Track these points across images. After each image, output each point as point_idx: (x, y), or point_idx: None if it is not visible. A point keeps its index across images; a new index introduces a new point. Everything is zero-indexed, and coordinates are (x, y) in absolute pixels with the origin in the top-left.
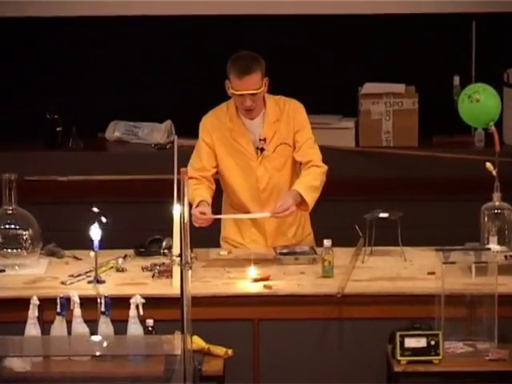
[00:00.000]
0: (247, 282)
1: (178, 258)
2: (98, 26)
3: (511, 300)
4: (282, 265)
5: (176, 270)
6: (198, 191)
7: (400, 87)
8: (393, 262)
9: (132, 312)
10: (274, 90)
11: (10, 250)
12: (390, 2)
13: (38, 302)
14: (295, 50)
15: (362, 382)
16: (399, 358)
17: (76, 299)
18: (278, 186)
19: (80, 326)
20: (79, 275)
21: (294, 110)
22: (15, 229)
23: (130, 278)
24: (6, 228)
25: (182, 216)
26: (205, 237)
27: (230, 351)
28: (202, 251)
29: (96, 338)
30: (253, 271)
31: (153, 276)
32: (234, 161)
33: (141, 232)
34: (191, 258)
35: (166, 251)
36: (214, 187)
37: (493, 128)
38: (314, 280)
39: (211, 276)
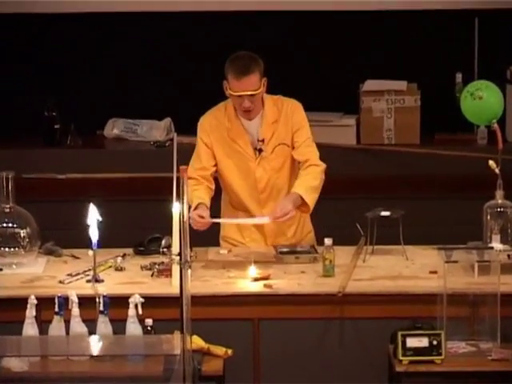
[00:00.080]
0: (247, 281)
1: (178, 257)
2: (97, 23)
3: None
4: (283, 264)
5: (175, 269)
6: (197, 193)
7: (402, 84)
8: (394, 260)
9: (131, 311)
10: (274, 87)
11: (7, 249)
12: None
13: (35, 302)
14: (296, 46)
15: (363, 382)
16: (401, 357)
17: (74, 298)
18: (276, 186)
19: (78, 326)
20: (77, 274)
21: (292, 109)
22: (13, 227)
23: (129, 277)
24: (3, 226)
25: (181, 214)
26: (204, 236)
27: (229, 351)
28: (202, 250)
29: (94, 338)
30: (253, 270)
31: (152, 275)
32: (232, 161)
33: (140, 230)
34: (191, 257)
35: (165, 250)
36: (213, 187)
37: (495, 125)
38: (314, 279)
39: (211, 275)
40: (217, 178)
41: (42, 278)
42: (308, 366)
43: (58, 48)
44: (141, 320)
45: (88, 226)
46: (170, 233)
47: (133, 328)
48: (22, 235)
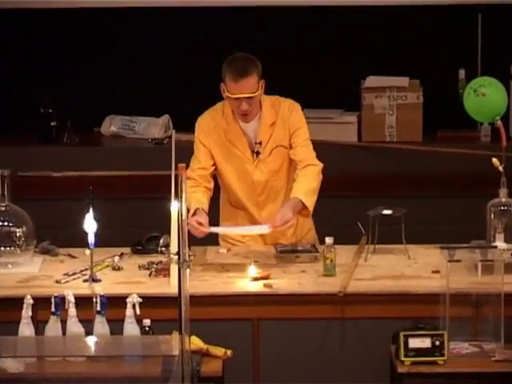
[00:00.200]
0: (247, 281)
1: (176, 256)
2: (94, 19)
3: None
4: (283, 263)
5: (174, 269)
6: (195, 195)
7: (404, 81)
8: (396, 260)
9: (128, 311)
10: (274, 84)
11: (2, 248)
12: None
13: (31, 301)
14: (297, 42)
15: (364, 383)
16: (403, 358)
17: (71, 298)
18: (275, 188)
19: (75, 326)
20: (74, 274)
21: (289, 110)
22: (8, 226)
23: (127, 276)
24: None
25: (179, 213)
26: None
27: (229, 352)
28: (201, 249)
29: (91, 339)
30: (252, 270)
31: (150, 274)
32: (230, 164)
33: (138, 229)
34: (189, 256)
35: (163, 249)
36: (212, 186)
37: (499, 122)
38: (315, 279)
39: (210, 275)
40: (215, 176)
41: (38, 277)
42: (308, 367)
43: (55, 44)
44: (138, 320)
45: (84, 224)
46: (168, 231)
47: (130, 328)
48: (17, 234)
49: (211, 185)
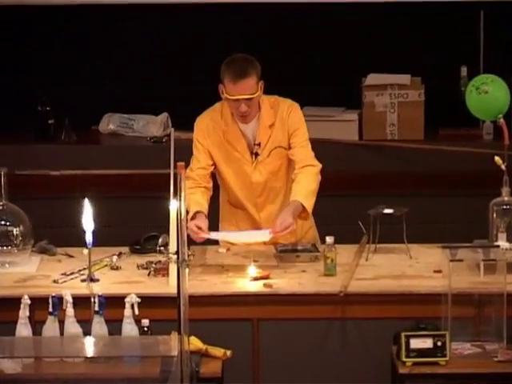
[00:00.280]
0: (246, 281)
1: (175, 256)
2: (92, 16)
3: None
4: (283, 263)
5: (172, 268)
6: (195, 196)
7: (405, 78)
8: (398, 259)
9: (127, 312)
10: (275, 81)
11: None
12: None
13: (29, 302)
14: (297, 40)
15: None
16: (404, 359)
17: (69, 298)
18: (274, 189)
19: (73, 326)
20: (72, 273)
21: (288, 111)
22: (5, 225)
23: (125, 276)
24: None
25: (178, 212)
26: None
27: (228, 352)
28: (200, 249)
29: (89, 339)
30: (252, 269)
31: (148, 274)
32: (229, 165)
33: (136, 228)
34: (188, 256)
35: (162, 248)
36: (211, 185)
37: (502, 120)
38: (315, 278)
39: (209, 274)
40: (214, 175)
41: (36, 277)
42: (309, 368)
43: (52, 41)
44: (137, 320)
45: (82, 223)
46: (167, 231)
47: (129, 329)
48: (14, 233)
49: (211, 184)
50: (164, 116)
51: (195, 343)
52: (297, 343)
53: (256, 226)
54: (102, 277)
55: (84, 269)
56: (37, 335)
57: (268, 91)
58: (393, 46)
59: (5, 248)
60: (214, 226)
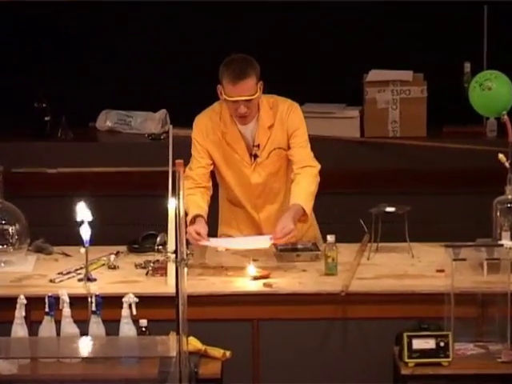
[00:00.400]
0: (246, 280)
1: (173, 255)
2: (89, 12)
3: None
4: (283, 262)
5: (171, 268)
6: (194, 198)
7: (408, 74)
8: (400, 258)
9: (124, 312)
10: (276, 78)
11: None
12: None
13: (25, 301)
14: (298, 36)
15: None
16: (406, 360)
17: (65, 298)
18: (273, 190)
19: (69, 327)
20: (69, 273)
21: (287, 111)
22: (1, 224)
23: (123, 275)
24: None
25: (177, 210)
26: None
27: (227, 353)
28: (199, 247)
29: (86, 339)
30: (252, 269)
31: (146, 274)
32: (228, 166)
33: (134, 227)
34: (187, 255)
35: (160, 247)
36: (211, 184)
37: (505, 117)
38: (316, 278)
39: (208, 274)
40: (214, 174)
41: (32, 276)
42: (310, 368)
43: (49, 37)
44: (135, 320)
45: (79, 222)
46: (165, 230)
47: (126, 329)
48: (10, 232)
49: (210, 183)
50: (162, 113)
51: (194, 343)
52: (297, 344)
53: (256, 225)
54: (100, 276)
55: (81, 268)
56: (33, 335)
57: (268, 87)
58: (395, 41)
59: (0, 247)
60: (213, 225)
